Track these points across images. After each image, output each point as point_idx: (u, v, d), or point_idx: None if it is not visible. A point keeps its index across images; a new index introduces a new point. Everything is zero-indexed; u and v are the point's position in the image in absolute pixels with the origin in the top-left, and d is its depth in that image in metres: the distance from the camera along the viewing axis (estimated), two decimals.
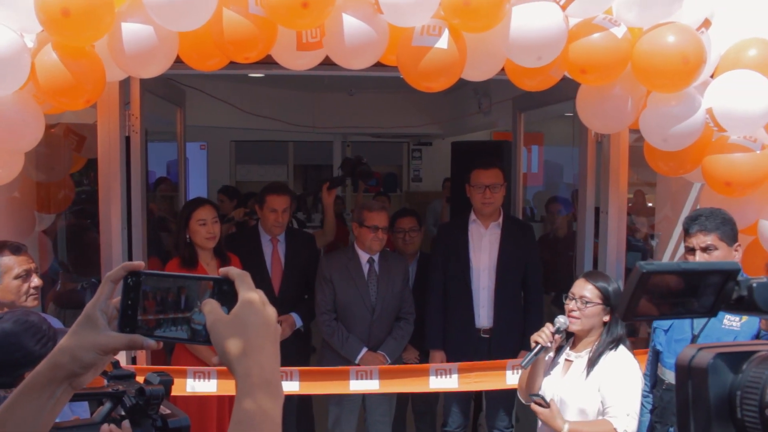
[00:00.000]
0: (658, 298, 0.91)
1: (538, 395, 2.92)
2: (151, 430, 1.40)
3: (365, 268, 4.16)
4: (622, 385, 2.82)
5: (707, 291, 0.92)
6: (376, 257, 4.18)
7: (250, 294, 1.01)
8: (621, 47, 3.00)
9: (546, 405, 2.86)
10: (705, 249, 2.92)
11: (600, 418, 2.83)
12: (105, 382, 1.49)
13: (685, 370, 0.89)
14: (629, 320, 0.95)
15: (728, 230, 2.93)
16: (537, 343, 2.94)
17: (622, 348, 2.91)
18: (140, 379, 1.47)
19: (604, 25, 3.00)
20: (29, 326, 2.08)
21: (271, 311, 1.02)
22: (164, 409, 1.42)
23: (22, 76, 2.87)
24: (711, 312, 0.93)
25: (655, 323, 3.18)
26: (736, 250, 2.96)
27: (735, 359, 0.88)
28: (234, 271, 1.03)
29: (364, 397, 4.18)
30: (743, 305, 0.92)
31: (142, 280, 1.06)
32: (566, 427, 2.80)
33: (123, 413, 1.43)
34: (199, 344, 1.04)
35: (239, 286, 1.01)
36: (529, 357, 2.95)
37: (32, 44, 2.96)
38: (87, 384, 1.07)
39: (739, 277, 0.92)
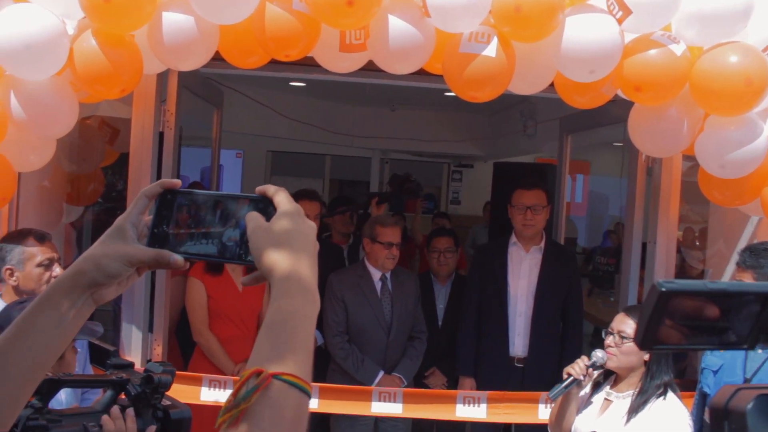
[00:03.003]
0: (682, 323, 0.76)
1: None
2: (152, 421, 1.40)
3: (378, 285, 3.96)
4: None
5: (742, 318, 0.77)
6: (388, 274, 3.97)
7: (289, 206, 0.98)
8: (679, 65, 2.84)
9: None
10: None
11: None
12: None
13: (721, 413, 0.76)
14: (647, 348, 0.79)
15: None
16: (569, 374, 2.73)
17: (671, 396, 2.62)
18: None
19: (663, 42, 2.85)
20: None
21: (311, 223, 0.98)
22: (164, 401, 1.43)
23: (60, 61, 2.83)
24: (748, 343, 0.78)
25: (704, 363, 2.96)
26: None
27: None
28: (271, 188, 1.00)
29: (375, 422, 3.94)
30: None
31: (177, 198, 1.02)
32: None
33: (128, 402, 1.43)
34: (227, 261, 1.01)
35: (278, 201, 0.98)
36: (559, 389, 2.74)
37: (73, 31, 2.92)
38: (109, 299, 1.01)
39: None
